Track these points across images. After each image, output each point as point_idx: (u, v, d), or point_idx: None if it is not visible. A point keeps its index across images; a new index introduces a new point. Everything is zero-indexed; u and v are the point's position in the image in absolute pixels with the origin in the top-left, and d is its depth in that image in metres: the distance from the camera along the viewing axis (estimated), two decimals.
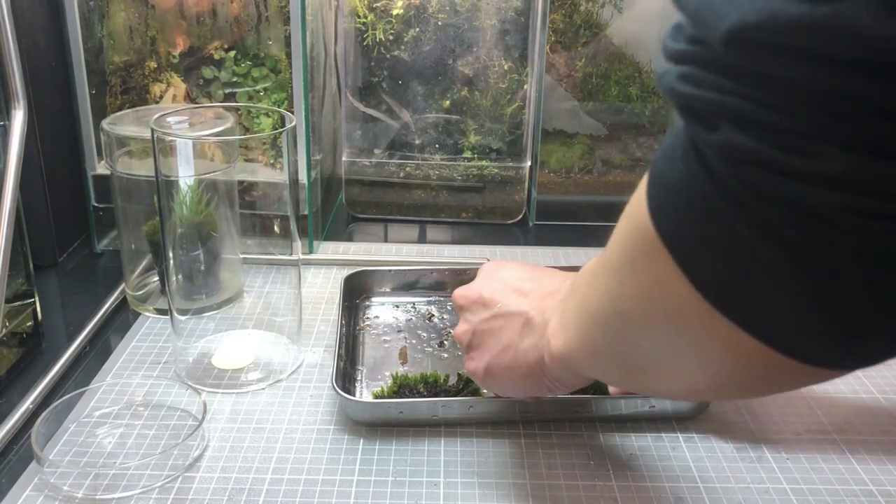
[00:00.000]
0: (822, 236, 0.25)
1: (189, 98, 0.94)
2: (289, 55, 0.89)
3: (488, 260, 0.92)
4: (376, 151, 1.05)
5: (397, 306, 0.81)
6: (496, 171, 1.04)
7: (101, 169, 0.91)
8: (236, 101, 0.94)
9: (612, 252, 0.38)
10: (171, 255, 0.72)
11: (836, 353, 0.30)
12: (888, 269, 0.25)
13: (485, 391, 0.67)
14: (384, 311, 0.81)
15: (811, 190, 0.25)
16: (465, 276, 0.83)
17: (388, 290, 0.83)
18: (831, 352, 0.30)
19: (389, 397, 0.65)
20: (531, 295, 0.53)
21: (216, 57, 0.93)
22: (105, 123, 0.80)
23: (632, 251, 0.35)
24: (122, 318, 0.80)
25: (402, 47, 0.99)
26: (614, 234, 0.38)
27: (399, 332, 0.77)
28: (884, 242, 0.25)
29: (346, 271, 0.82)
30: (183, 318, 0.74)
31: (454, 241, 1.01)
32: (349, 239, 1.01)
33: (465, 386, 0.66)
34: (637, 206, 0.34)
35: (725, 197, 0.27)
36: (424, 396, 0.65)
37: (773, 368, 0.31)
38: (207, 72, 0.94)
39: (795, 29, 0.23)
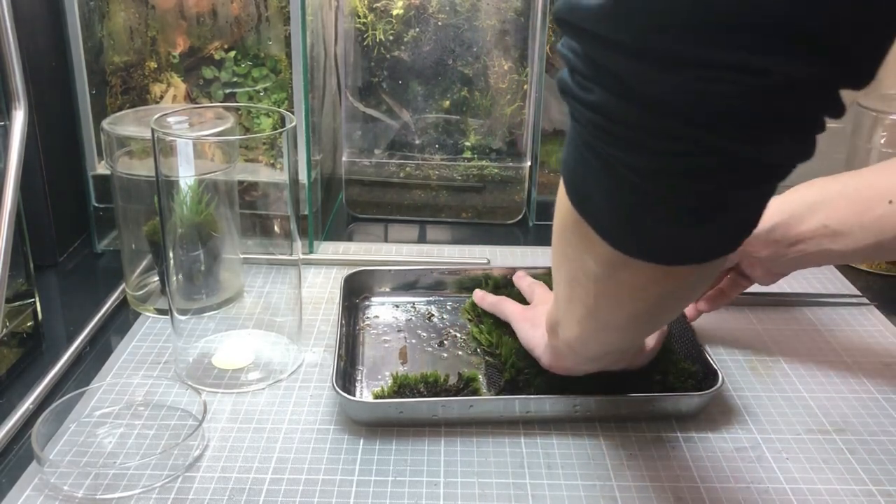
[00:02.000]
0: (592, 137, 0.38)
1: (189, 98, 0.94)
2: (289, 55, 0.89)
3: (488, 261, 0.92)
4: (376, 151, 1.05)
5: (397, 306, 0.81)
6: (496, 171, 1.04)
7: (102, 169, 0.91)
8: (236, 101, 0.94)
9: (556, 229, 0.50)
10: (171, 255, 0.72)
11: (636, 239, 0.41)
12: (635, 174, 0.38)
13: (485, 391, 0.67)
14: (384, 310, 0.81)
15: (585, 110, 0.37)
16: (464, 275, 0.83)
17: (388, 289, 0.83)
18: (633, 239, 0.41)
19: (389, 397, 0.65)
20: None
21: (216, 57, 0.93)
22: (105, 123, 0.80)
23: (561, 201, 0.46)
24: (123, 318, 0.80)
25: (402, 47, 0.99)
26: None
27: (399, 331, 0.77)
28: (621, 148, 0.37)
29: (346, 271, 0.82)
30: (183, 318, 0.74)
31: (454, 241, 1.01)
32: (349, 239, 1.01)
33: (466, 386, 0.66)
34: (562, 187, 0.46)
35: (574, 123, 0.39)
36: (424, 396, 0.65)
37: (621, 269, 0.44)
38: (207, 72, 0.94)
39: (567, 9, 0.35)
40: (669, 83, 0.33)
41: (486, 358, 0.72)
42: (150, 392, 0.67)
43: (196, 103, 0.94)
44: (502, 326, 0.72)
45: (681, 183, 0.37)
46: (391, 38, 0.98)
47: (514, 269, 0.82)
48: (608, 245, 0.42)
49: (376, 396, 0.65)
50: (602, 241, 0.42)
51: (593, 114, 0.37)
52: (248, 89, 0.94)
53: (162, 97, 0.94)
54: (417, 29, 0.98)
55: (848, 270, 0.93)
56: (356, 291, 0.82)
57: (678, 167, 0.36)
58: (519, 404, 0.64)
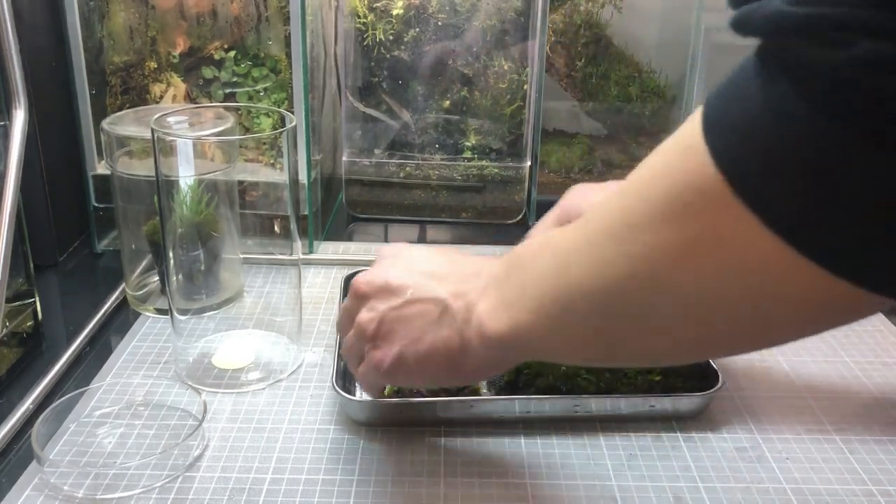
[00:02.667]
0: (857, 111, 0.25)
1: (189, 98, 0.94)
2: (289, 55, 0.89)
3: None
4: (376, 151, 1.05)
5: None
6: (496, 171, 1.04)
7: (102, 169, 0.91)
8: (236, 101, 0.94)
9: (632, 210, 0.35)
10: (171, 255, 0.72)
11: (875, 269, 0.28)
12: None
13: (485, 391, 0.67)
14: None
15: (840, 71, 0.24)
16: None
17: None
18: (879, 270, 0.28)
19: (389, 397, 0.65)
20: (448, 279, 0.49)
21: (216, 57, 0.93)
22: (105, 123, 0.80)
23: (675, 203, 0.32)
24: (123, 318, 0.80)
25: (402, 47, 0.99)
26: (613, 202, 0.36)
27: None
28: None
29: (346, 271, 0.82)
30: (183, 318, 0.74)
31: (454, 241, 1.01)
32: (349, 239, 1.01)
33: (466, 385, 0.66)
34: (681, 155, 0.31)
35: (858, 127, 0.25)
36: (424, 396, 0.65)
37: (836, 296, 0.30)
38: (207, 72, 0.94)
39: None
40: None
41: None
42: (150, 392, 0.67)
43: (196, 103, 0.94)
44: None
45: None
46: (391, 37, 0.98)
47: None
48: (808, 259, 0.28)
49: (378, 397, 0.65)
50: (838, 281, 0.28)
51: (859, 71, 0.24)
52: (248, 89, 0.94)
53: (162, 97, 0.94)
54: (417, 29, 0.98)
55: None
56: None
57: None
58: (519, 404, 0.64)
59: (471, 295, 0.48)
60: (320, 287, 0.87)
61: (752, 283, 0.31)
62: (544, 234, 0.43)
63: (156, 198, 0.71)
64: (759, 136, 0.28)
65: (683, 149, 0.32)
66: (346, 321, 0.56)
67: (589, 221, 0.38)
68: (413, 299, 0.50)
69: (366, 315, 0.52)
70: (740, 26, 0.29)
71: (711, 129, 0.30)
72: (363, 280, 0.54)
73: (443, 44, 0.97)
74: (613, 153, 1.07)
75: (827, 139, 0.26)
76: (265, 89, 0.94)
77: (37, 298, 0.74)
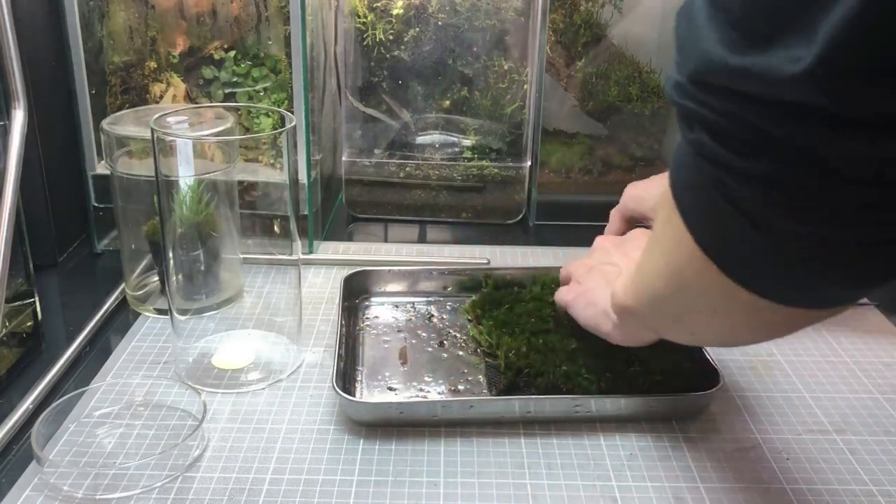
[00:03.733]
0: (753, 208, 0.35)
1: (189, 98, 0.94)
2: (289, 55, 0.89)
3: (488, 261, 0.92)
4: (376, 151, 1.05)
5: (397, 306, 0.81)
6: (496, 171, 1.04)
7: (101, 169, 0.91)
8: (236, 101, 0.94)
9: (657, 220, 0.47)
10: (171, 255, 0.72)
11: (793, 294, 0.38)
12: (796, 221, 0.34)
13: (484, 391, 0.68)
14: (384, 311, 0.80)
15: (744, 181, 0.35)
16: (464, 275, 0.83)
17: (387, 289, 0.83)
18: (791, 293, 0.38)
19: (388, 398, 0.64)
20: (633, 254, 0.64)
21: (216, 57, 0.93)
22: (105, 123, 0.80)
23: (664, 216, 0.43)
24: (122, 318, 0.80)
25: (402, 47, 0.99)
26: (660, 204, 0.47)
27: (399, 332, 0.77)
28: (778, 213, 0.35)
29: (346, 271, 0.82)
30: (183, 318, 0.74)
31: (454, 241, 1.01)
32: (349, 239, 1.01)
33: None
34: (667, 184, 0.42)
35: (705, 178, 0.37)
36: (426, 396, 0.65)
37: (763, 310, 0.39)
38: (207, 72, 0.94)
39: (723, 75, 0.33)
40: (867, 151, 0.30)
41: (486, 359, 0.72)
42: (150, 392, 0.67)
43: (196, 103, 0.94)
44: (502, 327, 0.72)
45: (863, 252, 0.34)
46: (391, 37, 0.98)
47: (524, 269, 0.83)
48: (751, 293, 0.39)
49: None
50: (741, 288, 0.39)
51: (757, 183, 0.34)
52: (248, 89, 0.94)
53: (162, 97, 0.94)
54: (417, 29, 0.98)
55: None
56: (356, 291, 0.82)
57: (863, 237, 0.33)
58: (519, 404, 0.64)
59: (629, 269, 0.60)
60: (320, 287, 0.87)
61: (697, 287, 0.43)
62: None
63: (156, 198, 0.71)
64: (680, 174, 0.40)
65: (667, 198, 0.43)
66: (567, 280, 0.73)
67: (649, 239, 0.51)
68: (610, 262, 0.67)
69: (586, 261, 0.70)
70: (666, 86, 0.39)
71: (672, 164, 0.41)
72: (600, 239, 0.73)
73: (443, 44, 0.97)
74: (613, 153, 1.06)
75: (695, 181, 0.38)
76: (265, 89, 0.94)
77: (37, 298, 0.74)
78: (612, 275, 0.64)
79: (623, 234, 0.74)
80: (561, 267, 0.76)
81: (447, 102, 1.02)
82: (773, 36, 0.31)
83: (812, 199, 0.33)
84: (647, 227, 0.72)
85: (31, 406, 0.65)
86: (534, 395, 0.65)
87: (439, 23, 0.98)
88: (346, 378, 0.67)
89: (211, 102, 0.94)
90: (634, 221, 0.74)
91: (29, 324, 0.73)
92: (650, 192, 0.71)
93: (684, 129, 0.37)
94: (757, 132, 0.33)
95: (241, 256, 0.82)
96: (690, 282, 0.43)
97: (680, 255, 0.42)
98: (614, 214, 0.76)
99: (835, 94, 0.29)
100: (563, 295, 0.70)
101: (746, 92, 0.32)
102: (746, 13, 0.32)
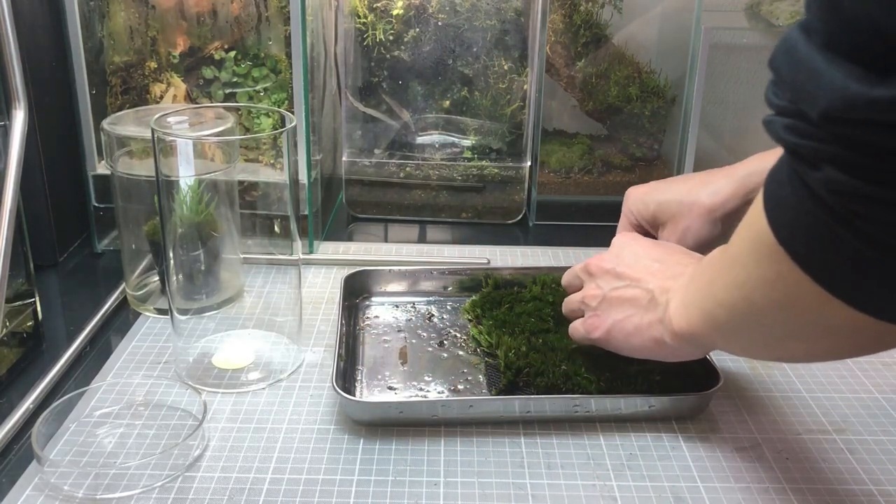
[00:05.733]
0: (890, 238, 0.36)
1: (189, 98, 0.95)
2: (289, 55, 0.89)
3: (488, 261, 0.93)
4: (376, 151, 1.05)
5: (397, 306, 0.81)
6: (496, 171, 1.04)
7: (102, 169, 0.91)
8: (236, 101, 0.94)
9: (738, 248, 0.47)
10: (171, 255, 0.72)
11: None
12: None
13: (484, 390, 0.68)
14: (384, 311, 0.81)
15: (890, 209, 0.35)
16: (464, 275, 0.83)
17: (388, 289, 0.83)
18: None
19: (388, 398, 0.65)
20: (658, 275, 0.62)
21: (216, 57, 0.93)
22: (105, 123, 0.80)
23: (756, 251, 0.44)
24: (123, 318, 0.80)
25: (402, 47, 0.99)
26: (738, 232, 0.47)
27: (399, 332, 0.77)
28: None
29: (346, 271, 0.82)
30: (183, 318, 0.74)
31: (454, 241, 1.01)
32: (349, 239, 1.01)
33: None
34: (757, 216, 0.43)
35: (831, 215, 0.37)
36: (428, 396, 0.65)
37: (881, 332, 0.41)
38: (207, 72, 0.94)
39: (867, 109, 0.33)
40: None
41: (486, 358, 0.72)
42: (150, 392, 0.67)
43: (196, 103, 0.94)
44: (502, 327, 0.72)
45: None
46: (391, 38, 0.98)
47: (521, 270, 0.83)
48: (882, 321, 0.40)
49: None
50: (867, 317, 0.40)
51: (884, 206, 0.35)
52: (248, 89, 0.94)
53: (162, 97, 0.94)
54: (417, 29, 0.98)
55: None
56: (356, 291, 0.82)
57: None
58: (519, 404, 0.64)
59: (670, 293, 0.59)
60: (320, 287, 0.87)
61: (799, 312, 0.44)
62: (715, 251, 0.54)
63: (156, 198, 0.71)
64: (791, 213, 0.41)
65: (758, 211, 0.43)
66: (574, 286, 0.70)
67: (727, 248, 0.50)
68: (631, 285, 0.63)
69: (593, 290, 0.66)
70: (765, 126, 0.40)
71: (767, 201, 0.42)
72: (596, 263, 0.67)
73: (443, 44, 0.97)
74: (613, 153, 1.07)
75: (820, 220, 0.39)
76: (265, 89, 0.94)
77: (37, 298, 0.74)
78: (640, 299, 0.62)
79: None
80: (564, 268, 0.75)
81: (447, 102, 1.02)
82: (891, 66, 0.32)
83: None
84: (652, 235, 0.72)
85: (31, 406, 0.65)
86: (534, 394, 0.65)
87: (439, 23, 0.98)
88: (346, 378, 0.68)
89: (211, 102, 0.94)
90: (640, 229, 0.74)
91: (29, 324, 0.74)
92: (653, 198, 0.71)
93: (804, 170, 0.38)
94: (892, 159, 0.34)
95: (242, 256, 0.82)
96: (800, 314, 0.44)
97: (785, 291, 0.43)
98: (621, 221, 0.75)
99: None
100: (582, 333, 0.66)
101: (891, 121, 0.33)
102: (856, 47, 0.34)
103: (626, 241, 0.67)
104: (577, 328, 0.67)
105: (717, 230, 0.69)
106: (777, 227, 0.41)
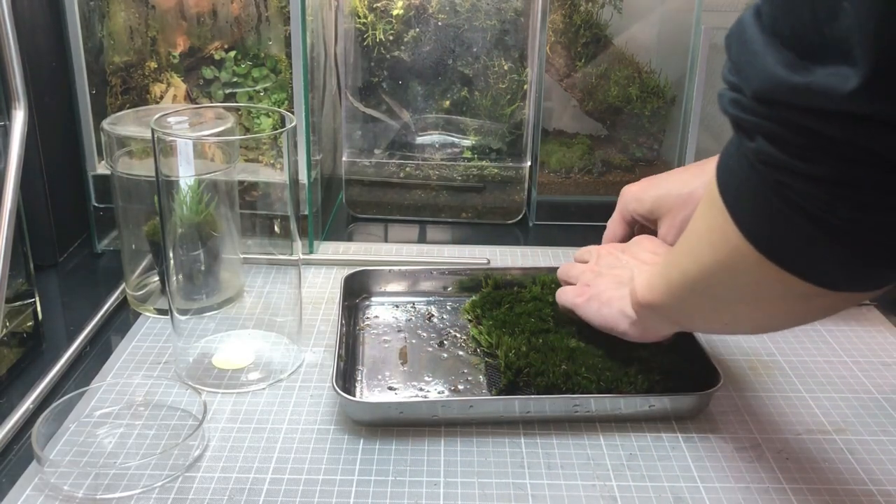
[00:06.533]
0: (815, 205, 0.39)
1: (189, 98, 0.94)
2: (289, 55, 0.89)
3: (488, 261, 0.93)
4: (376, 151, 1.05)
5: (397, 306, 0.81)
6: (496, 171, 1.04)
7: (102, 169, 0.91)
8: (236, 101, 0.94)
9: (695, 217, 0.51)
10: (171, 255, 0.72)
11: (844, 279, 0.43)
12: (851, 222, 0.39)
13: (484, 390, 0.68)
14: (384, 311, 0.81)
15: (808, 182, 0.39)
16: (464, 275, 0.83)
17: (388, 289, 0.83)
18: (843, 279, 0.43)
19: (388, 398, 0.65)
20: (648, 262, 0.68)
21: (216, 57, 0.93)
22: (105, 123, 0.80)
23: (707, 215, 0.48)
24: (123, 318, 0.80)
25: (402, 47, 0.99)
26: (698, 208, 0.51)
27: (399, 332, 0.77)
28: (844, 207, 0.38)
29: (346, 271, 0.82)
30: (183, 318, 0.74)
31: (454, 241, 1.01)
32: (349, 239, 1.01)
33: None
34: (711, 186, 0.46)
35: (763, 182, 0.41)
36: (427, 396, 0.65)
37: (810, 295, 0.44)
38: (207, 72, 0.94)
39: (787, 93, 0.37)
40: None
41: (486, 359, 0.72)
42: (150, 392, 0.67)
43: (196, 103, 0.94)
44: (502, 327, 0.72)
45: None
46: (391, 38, 0.98)
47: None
48: (807, 282, 0.43)
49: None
50: (795, 278, 0.43)
51: (822, 183, 0.38)
52: (248, 89, 0.94)
53: (162, 97, 0.94)
54: (417, 29, 0.98)
55: None
56: (356, 291, 0.82)
57: None
58: (519, 404, 0.64)
59: (640, 270, 0.66)
60: (320, 287, 0.87)
61: (744, 279, 0.47)
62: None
63: (156, 198, 0.71)
64: (733, 180, 0.44)
65: (710, 183, 0.47)
66: (571, 275, 0.74)
67: (684, 235, 0.54)
68: (620, 265, 0.69)
69: (591, 266, 0.72)
70: (718, 99, 0.43)
71: (719, 167, 0.46)
72: (607, 248, 0.73)
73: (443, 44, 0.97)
74: (613, 153, 1.07)
75: (753, 185, 0.42)
76: (265, 89, 0.94)
77: (37, 298, 0.74)
78: (623, 277, 0.67)
79: (625, 237, 0.75)
80: (559, 267, 0.76)
81: (447, 102, 1.02)
82: (819, 56, 0.35)
83: (876, 190, 0.37)
84: (651, 231, 0.72)
85: (31, 406, 0.65)
86: (534, 394, 0.65)
87: (439, 23, 0.98)
88: (346, 378, 0.68)
89: (211, 102, 0.94)
90: (634, 223, 0.74)
91: (29, 324, 0.74)
92: (648, 194, 0.72)
93: (743, 140, 0.41)
94: (820, 138, 0.37)
95: (242, 256, 0.82)
96: (738, 276, 0.47)
97: (727, 252, 0.46)
98: (615, 218, 0.76)
99: (885, 104, 0.34)
100: (569, 297, 0.71)
101: (809, 106, 0.36)
102: (795, 34, 0.37)
103: (639, 239, 0.72)
104: (565, 292, 0.72)
105: None
106: (724, 191, 0.45)
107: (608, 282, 0.68)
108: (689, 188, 0.69)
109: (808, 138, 0.37)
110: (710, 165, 0.70)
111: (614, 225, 0.76)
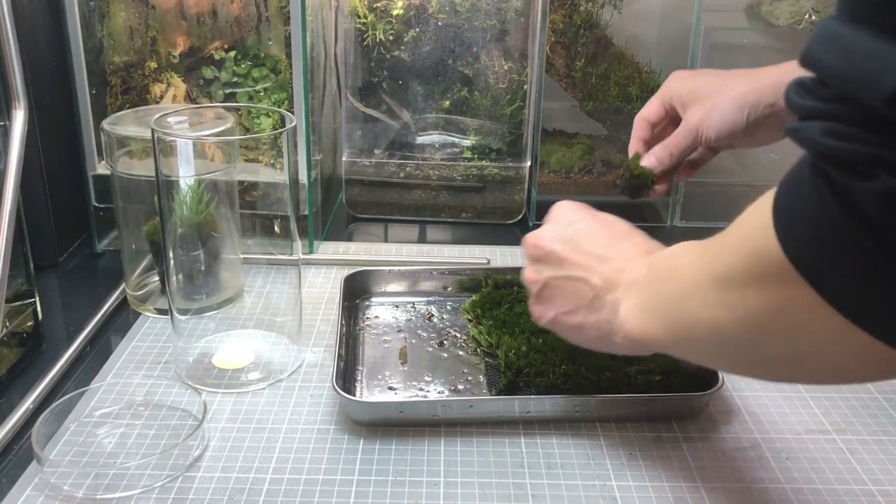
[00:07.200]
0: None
1: (189, 98, 0.94)
2: (289, 55, 0.89)
3: (488, 261, 0.92)
4: (376, 151, 1.05)
5: (397, 306, 0.81)
6: (496, 171, 1.04)
7: (102, 169, 0.91)
8: (236, 101, 0.94)
9: (728, 265, 0.43)
10: (171, 255, 0.72)
11: None
12: None
13: (484, 390, 0.68)
14: (384, 311, 0.81)
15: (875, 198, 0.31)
16: (464, 275, 0.83)
17: (388, 289, 0.83)
18: None
19: (388, 398, 0.64)
20: (604, 266, 0.57)
21: (216, 57, 0.93)
22: (105, 123, 0.80)
23: (758, 272, 0.40)
24: (123, 318, 0.80)
25: (402, 47, 0.99)
26: (726, 246, 0.43)
27: (399, 332, 0.77)
28: None
29: (346, 271, 0.82)
30: (183, 318, 0.74)
31: (454, 241, 1.01)
32: (349, 239, 1.01)
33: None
34: (761, 233, 0.39)
35: (873, 235, 0.33)
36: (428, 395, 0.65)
37: (892, 359, 0.37)
38: (207, 72, 0.94)
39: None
40: None
41: (486, 358, 0.72)
42: (150, 392, 0.67)
43: (196, 103, 0.94)
44: (502, 327, 0.72)
45: None
46: (391, 38, 0.98)
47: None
48: (871, 336, 0.36)
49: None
50: (862, 334, 0.36)
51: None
52: (248, 89, 0.94)
53: (162, 97, 0.94)
54: (417, 29, 0.98)
55: None
56: (356, 291, 0.82)
57: None
58: (519, 404, 0.64)
59: (619, 291, 0.55)
60: (320, 287, 0.87)
61: (808, 338, 0.39)
62: (677, 252, 0.51)
63: (156, 198, 0.71)
64: (815, 233, 0.36)
65: (759, 227, 0.39)
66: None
67: (702, 259, 0.46)
68: (572, 276, 0.58)
69: (532, 275, 0.61)
70: (791, 134, 0.36)
71: (780, 219, 0.38)
72: (533, 242, 0.61)
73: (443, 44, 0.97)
74: (613, 153, 1.07)
75: (854, 240, 0.34)
76: (265, 89, 0.94)
77: (37, 298, 0.74)
78: (585, 295, 0.57)
79: (657, 119, 0.76)
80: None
81: (447, 102, 1.02)
82: None
83: None
84: (677, 119, 0.74)
85: (31, 406, 0.65)
86: (534, 394, 0.65)
87: (439, 23, 0.98)
88: (346, 378, 0.68)
89: (211, 102, 0.94)
90: (671, 109, 0.75)
91: (29, 324, 0.74)
92: (693, 79, 0.73)
93: (848, 179, 0.33)
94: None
95: (242, 256, 0.82)
96: (808, 341, 0.40)
97: (796, 319, 0.39)
98: (653, 100, 0.76)
99: None
100: (535, 312, 0.62)
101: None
102: None
103: (570, 216, 0.62)
104: (532, 308, 0.63)
105: (741, 120, 0.69)
106: (794, 249, 0.37)
107: (566, 300, 0.59)
108: (730, 82, 0.70)
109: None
110: (760, 72, 0.70)
111: (651, 105, 0.76)
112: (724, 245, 0.44)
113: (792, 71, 0.61)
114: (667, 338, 0.51)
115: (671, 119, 0.76)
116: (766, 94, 0.68)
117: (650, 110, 0.76)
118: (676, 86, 0.74)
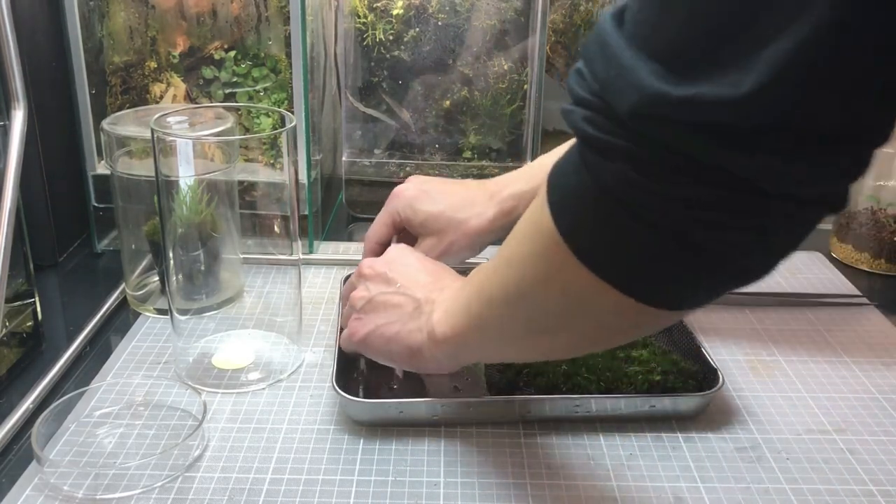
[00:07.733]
0: (674, 227, 0.38)
1: (189, 98, 0.94)
2: (289, 55, 0.89)
3: (488, 260, 0.92)
4: (376, 151, 1.05)
5: None
6: (496, 171, 1.04)
7: (101, 169, 0.91)
8: (236, 101, 0.94)
9: (514, 248, 0.49)
10: (171, 255, 0.72)
11: (687, 297, 0.42)
12: (693, 242, 0.38)
13: (484, 391, 0.67)
14: None
15: (665, 201, 0.38)
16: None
17: None
18: (686, 298, 0.42)
19: (389, 398, 0.64)
20: (428, 286, 0.62)
21: (216, 57, 0.93)
22: (105, 123, 0.80)
23: (535, 245, 0.46)
24: (123, 318, 0.80)
25: (402, 47, 0.99)
26: (514, 234, 0.48)
27: None
28: (693, 228, 0.38)
29: (346, 271, 0.82)
30: (183, 318, 0.74)
31: None
32: (349, 239, 1.01)
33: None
34: (539, 208, 0.44)
35: (618, 202, 0.39)
36: (426, 394, 0.65)
37: (641, 316, 0.43)
38: (207, 72, 0.94)
39: (669, 107, 0.35)
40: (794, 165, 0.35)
41: None
42: (150, 392, 0.67)
43: (196, 103, 0.94)
44: None
45: (754, 249, 0.39)
46: (391, 37, 0.98)
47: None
48: (620, 293, 0.42)
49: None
50: (615, 292, 0.42)
51: (679, 202, 0.37)
52: (248, 89, 0.94)
53: (162, 97, 0.94)
54: (417, 29, 0.98)
55: (848, 270, 0.93)
56: None
57: (762, 244, 0.38)
58: (519, 404, 0.64)
59: (435, 304, 0.59)
60: (320, 287, 0.87)
61: (575, 297, 0.45)
62: (483, 265, 0.55)
63: (156, 198, 0.71)
64: (574, 201, 0.42)
65: (538, 204, 0.45)
66: (348, 292, 0.68)
67: (499, 254, 0.51)
68: (398, 292, 0.62)
69: (360, 293, 0.65)
70: (564, 115, 0.42)
71: (552, 190, 0.44)
72: (368, 264, 0.66)
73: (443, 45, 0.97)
74: None
75: (605, 208, 0.40)
76: (265, 89, 0.94)
77: (37, 298, 0.74)
78: (406, 306, 0.61)
79: (387, 239, 0.74)
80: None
81: (447, 102, 1.02)
82: (713, 65, 0.34)
83: (737, 212, 0.37)
84: (412, 238, 0.73)
85: (31, 406, 0.65)
86: (534, 394, 0.65)
87: (439, 23, 0.98)
88: (346, 378, 0.67)
89: (211, 102, 0.94)
90: (400, 229, 0.74)
91: (29, 324, 0.74)
92: (424, 207, 0.72)
93: (597, 160, 0.39)
94: (690, 160, 0.36)
95: (241, 256, 0.82)
96: (574, 305, 0.45)
97: (564, 284, 0.44)
98: (383, 219, 0.74)
99: (786, 114, 0.33)
100: (348, 335, 0.65)
101: (691, 120, 0.35)
102: (672, 48, 0.35)
103: (402, 253, 0.67)
104: (344, 337, 0.66)
105: (484, 246, 0.72)
106: (560, 218, 0.43)
107: (387, 313, 0.62)
108: (465, 215, 0.70)
109: (677, 159, 0.36)
110: (483, 194, 0.71)
111: (381, 226, 0.74)
112: (513, 234, 0.49)
113: (510, 192, 0.70)
114: (468, 331, 0.55)
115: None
116: (496, 224, 0.70)
117: (380, 234, 0.74)
118: (409, 214, 0.72)
